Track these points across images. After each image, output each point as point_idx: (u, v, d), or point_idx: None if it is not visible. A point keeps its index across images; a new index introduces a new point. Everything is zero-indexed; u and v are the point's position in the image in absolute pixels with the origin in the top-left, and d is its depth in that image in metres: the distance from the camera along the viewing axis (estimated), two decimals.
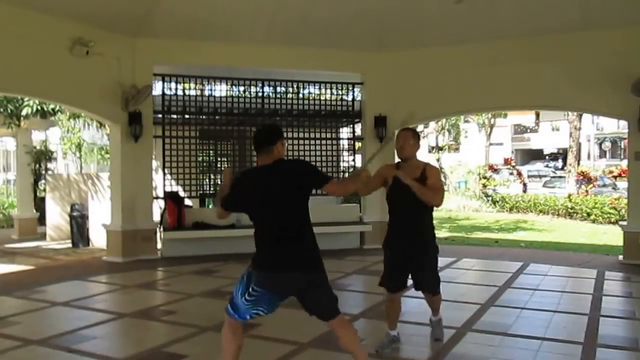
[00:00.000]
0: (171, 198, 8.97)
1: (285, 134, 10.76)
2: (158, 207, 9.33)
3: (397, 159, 4.19)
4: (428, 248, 4.10)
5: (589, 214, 15.27)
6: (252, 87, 9.75)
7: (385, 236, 4.25)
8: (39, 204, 12.25)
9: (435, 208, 4.06)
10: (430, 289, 4.23)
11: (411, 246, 4.04)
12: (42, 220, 11.96)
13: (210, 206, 11.18)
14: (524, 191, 22.38)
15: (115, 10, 7.86)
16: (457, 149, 34.26)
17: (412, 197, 3.84)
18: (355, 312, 5.41)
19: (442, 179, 4.06)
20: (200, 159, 10.01)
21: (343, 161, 11.12)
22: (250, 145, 9.84)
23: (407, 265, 4.09)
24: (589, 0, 7.90)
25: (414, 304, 5.84)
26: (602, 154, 38.98)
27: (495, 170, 23.20)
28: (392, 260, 4.15)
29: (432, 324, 4.49)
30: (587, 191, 18.10)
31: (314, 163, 9.75)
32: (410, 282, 4.25)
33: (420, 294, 4.35)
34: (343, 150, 11.21)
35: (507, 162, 25.53)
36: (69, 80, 7.73)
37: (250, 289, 3.11)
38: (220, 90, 9.89)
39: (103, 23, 7.94)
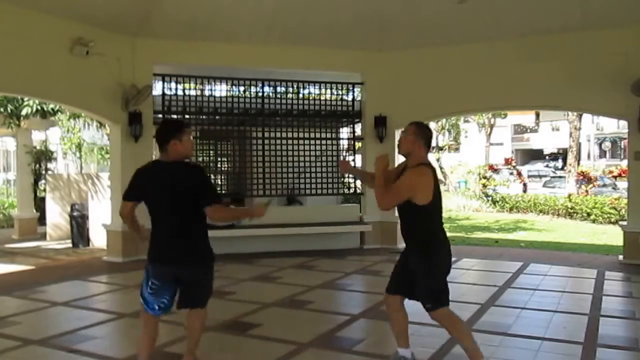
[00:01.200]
0: None
1: (285, 134, 10.75)
2: None
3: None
4: (422, 257, 3.53)
5: (589, 214, 15.27)
6: (252, 87, 9.74)
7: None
8: (39, 204, 12.24)
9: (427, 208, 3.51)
10: (422, 301, 3.61)
11: (408, 251, 3.68)
12: (42, 220, 11.95)
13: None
14: (524, 191, 22.39)
15: (115, 10, 7.86)
16: (457, 149, 34.25)
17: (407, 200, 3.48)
18: (355, 312, 5.40)
19: (423, 184, 3.47)
20: (200, 159, 10.00)
21: None
22: (250, 145, 9.92)
23: (402, 270, 3.71)
24: (589, 0, 7.90)
25: (413, 303, 5.83)
26: (602, 154, 38.97)
27: (495, 170, 23.18)
28: (398, 261, 3.82)
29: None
30: (587, 191, 18.09)
31: (314, 163, 9.86)
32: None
33: None
34: (343, 150, 11.21)
35: (507, 162, 25.51)
36: (69, 80, 7.73)
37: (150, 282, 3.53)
38: (220, 90, 9.88)
39: (103, 23, 7.95)
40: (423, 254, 3.54)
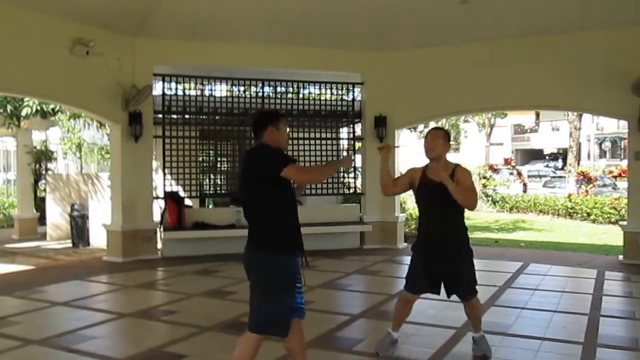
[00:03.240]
0: (171, 198, 8.97)
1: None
2: (158, 207, 9.32)
3: (426, 161, 4.02)
4: (460, 250, 3.84)
5: (589, 214, 15.26)
6: (252, 87, 9.74)
7: (416, 239, 4.08)
8: (39, 204, 12.25)
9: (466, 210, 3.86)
10: (460, 294, 3.93)
11: (442, 248, 3.83)
12: (42, 220, 11.95)
13: (211, 206, 11.18)
14: (524, 191, 22.38)
15: (115, 10, 7.86)
16: (457, 149, 34.26)
17: (442, 198, 3.69)
18: (355, 312, 5.41)
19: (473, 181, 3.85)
20: (200, 159, 10.00)
21: None
22: (250, 145, 9.91)
23: (434, 269, 3.85)
24: (589, 0, 7.91)
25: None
26: (602, 154, 38.97)
27: (495, 170, 23.18)
28: (418, 261, 3.95)
29: (474, 341, 4.12)
30: (587, 191, 18.08)
31: (314, 163, 9.85)
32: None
33: (424, 294, 4.25)
34: (343, 150, 11.21)
35: (507, 162, 25.51)
36: (69, 80, 7.73)
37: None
38: (221, 90, 9.89)
39: (103, 23, 7.95)
40: (466, 251, 3.87)
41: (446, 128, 27.32)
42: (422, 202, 4.02)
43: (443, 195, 3.67)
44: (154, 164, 9.36)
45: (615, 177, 20.39)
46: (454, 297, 4.02)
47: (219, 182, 10.55)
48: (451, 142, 4.42)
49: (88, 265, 8.31)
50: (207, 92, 9.62)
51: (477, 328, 4.10)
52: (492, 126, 27.90)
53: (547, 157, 41.59)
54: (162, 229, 8.78)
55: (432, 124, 24.75)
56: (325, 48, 9.27)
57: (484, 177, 20.50)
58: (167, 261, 8.42)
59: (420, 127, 23.35)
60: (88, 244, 10.25)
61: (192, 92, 9.82)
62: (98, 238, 9.85)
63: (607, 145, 38.95)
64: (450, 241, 3.84)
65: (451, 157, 4.01)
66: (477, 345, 4.10)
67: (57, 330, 4.84)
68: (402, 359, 4.09)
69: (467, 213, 3.94)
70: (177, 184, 9.56)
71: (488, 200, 19.26)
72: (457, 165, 3.87)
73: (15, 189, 13.90)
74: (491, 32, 8.73)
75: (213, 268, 7.80)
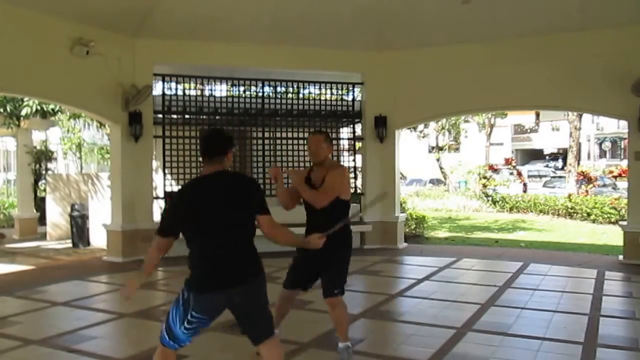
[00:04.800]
0: (171, 198, 8.95)
1: (285, 134, 10.70)
2: (158, 207, 9.32)
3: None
4: (337, 244, 3.78)
5: (589, 214, 15.26)
6: (252, 87, 9.74)
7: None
8: (39, 204, 12.25)
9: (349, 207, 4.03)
10: (331, 288, 3.96)
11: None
12: (42, 220, 11.96)
13: None
14: (524, 191, 22.37)
15: (115, 10, 7.86)
16: (457, 149, 34.22)
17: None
18: (355, 312, 5.40)
19: (346, 181, 4.02)
20: (200, 159, 10.00)
21: (343, 161, 11.11)
22: (250, 145, 9.93)
23: (312, 265, 3.97)
24: (589, 0, 7.90)
25: (413, 303, 5.85)
26: (602, 154, 38.96)
27: (495, 170, 23.19)
28: (301, 259, 4.05)
29: (337, 351, 4.00)
30: (587, 191, 18.08)
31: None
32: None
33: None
34: (343, 150, 11.20)
35: (507, 162, 25.49)
36: (69, 80, 7.73)
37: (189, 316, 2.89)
38: (221, 90, 9.88)
39: (103, 23, 7.95)
40: (342, 245, 3.91)
41: (446, 128, 27.47)
42: (306, 203, 4.01)
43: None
44: (154, 164, 9.36)
45: (615, 177, 20.37)
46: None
47: None
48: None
49: (88, 265, 8.32)
50: (207, 92, 9.62)
51: (342, 336, 3.97)
52: (492, 126, 27.88)
53: (547, 157, 41.59)
54: None
55: (433, 124, 24.92)
56: (325, 48, 9.27)
57: (484, 177, 20.51)
58: (167, 261, 8.38)
59: (420, 127, 23.35)
60: (88, 244, 10.25)
61: (192, 92, 9.81)
62: (98, 238, 9.86)
63: (607, 145, 38.94)
64: (333, 239, 3.67)
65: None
66: (340, 356, 3.95)
67: (57, 330, 4.84)
68: (402, 359, 4.09)
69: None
70: (177, 184, 9.55)
71: (488, 201, 19.27)
72: (333, 166, 3.98)
73: (15, 189, 13.91)
74: (491, 32, 8.73)
75: None
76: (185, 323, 2.88)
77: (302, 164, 9.82)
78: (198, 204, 2.93)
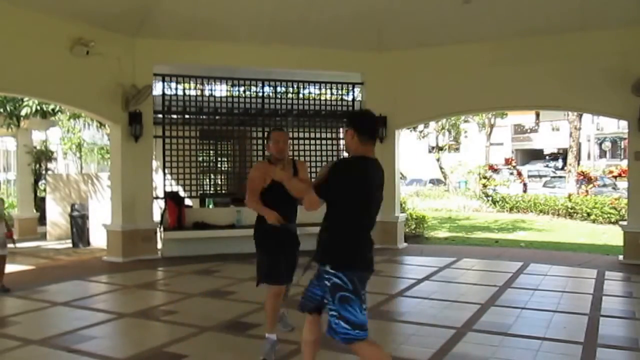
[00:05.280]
0: (171, 198, 8.96)
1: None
2: (158, 207, 9.33)
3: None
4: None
5: (589, 214, 15.26)
6: (252, 87, 9.74)
7: (260, 232, 4.18)
8: (39, 204, 12.25)
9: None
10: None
11: (294, 240, 4.22)
12: (42, 220, 11.96)
13: (211, 206, 11.17)
14: (524, 191, 22.37)
15: (116, 10, 7.86)
16: (457, 149, 34.20)
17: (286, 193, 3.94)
18: None
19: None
20: (200, 159, 10.00)
21: None
22: (251, 145, 9.93)
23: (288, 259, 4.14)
24: (589, 0, 7.90)
25: (413, 303, 5.85)
26: (602, 154, 38.96)
27: (495, 170, 23.19)
28: (276, 255, 4.09)
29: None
30: (587, 191, 18.09)
31: (314, 163, 9.86)
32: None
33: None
34: (343, 150, 11.20)
35: (507, 162, 25.50)
36: (69, 80, 7.73)
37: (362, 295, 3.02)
38: (221, 90, 9.88)
39: (103, 23, 7.95)
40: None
41: (446, 128, 27.48)
42: (275, 196, 4.03)
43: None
44: (154, 164, 9.36)
45: (615, 177, 20.38)
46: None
47: (219, 182, 10.55)
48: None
49: (88, 265, 8.31)
50: (207, 92, 9.62)
51: (269, 327, 4.10)
52: (492, 126, 27.89)
53: (547, 157, 41.58)
54: (162, 229, 8.78)
55: (433, 124, 24.93)
56: (325, 48, 9.26)
57: (484, 177, 20.51)
58: (167, 261, 8.41)
59: (420, 127, 23.35)
60: (88, 244, 10.25)
61: (192, 92, 9.81)
62: (98, 238, 9.86)
63: (607, 145, 38.94)
64: (296, 234, 4.24)
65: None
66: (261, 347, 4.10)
67: (57, 330, 4.84)
68: (402, 359, 4.09)
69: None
70: (177, 184, 9.57)
71: (488, 201, 19.27)
72: (296, 159, 4.34)
73: (15, 189, 13.90)
74: (491, 32, 8.73)
75: (213, 268, 7.80)
76: (362, 305, 3.00)
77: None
78: (369, 182, 3.03)
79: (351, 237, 3.01)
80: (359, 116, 3.30)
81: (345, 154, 3.34)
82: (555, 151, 40.56)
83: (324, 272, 3.00)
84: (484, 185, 20.21)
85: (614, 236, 10.86)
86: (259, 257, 4.17)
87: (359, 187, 2.98)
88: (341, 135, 11.23)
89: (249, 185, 4.17)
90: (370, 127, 3.11)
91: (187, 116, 9.60)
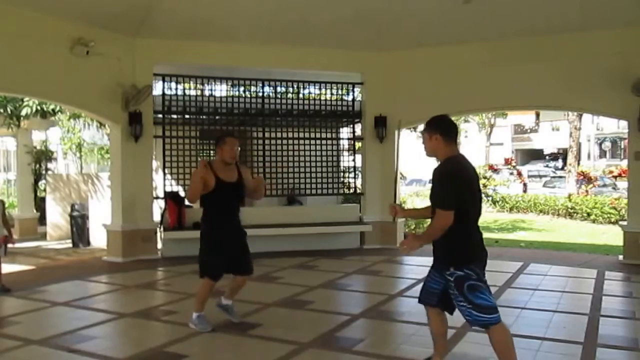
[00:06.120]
0: (171, 198, 8.96)
1: (285, 134, 10.73)
2: (158, 207, 9.33)
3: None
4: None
5: (589, 214, 15.26)
6: (252, 87, 9.74)
7: (213, 233, 4.67)
8: (40, 204, 12.25)
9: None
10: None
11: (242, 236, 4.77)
12: (42, 220, 11.96)
13: None
14: (524, 191, 22.38)
15: (116, 10, 7.86)
16: None
17: (240, 194, 4.70)
18: (355, 312, 5.40)
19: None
20: (200, 159, 9.99)
21: (343, 161, 11.13)
22: (250, 145, 9.92)
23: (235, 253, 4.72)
24: (589, 0, 7.91)
25: (413, 303, 5.83)
26: (602, 154, 38.96)
27: (495, 170, 23.19)
28: (223, 250, 4.67)
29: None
30: (587, 191, 18.09)
31: (314, 163, 9.86)
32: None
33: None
34: (343, 150, 11.21)
35: (507, 162, 25.51)
36: (69, 80, 7.73)
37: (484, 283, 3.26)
38: (221, 90, 9.88)
39: (103, 23, 7.94)
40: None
41: None
42: (226, 199, 4.66)
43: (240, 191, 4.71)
44: (154, 164, 9.36)
45: (615, 177, 20.39)
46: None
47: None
48: None
49: (88, 265, 8.31)
50: (207, 92, 9.62)
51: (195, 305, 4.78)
52: (492, 126, 27.92)
53: (547, 157, 41.58)
54: (162, 229, 8.78)
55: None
56: (325, 48, 9.27)
57: (484, 177, 20.49)
58: (167, 261, 8.41)
59: (421, 127, 23.33)
60: (88, 244, 10.25)
61: (192, 92, 9.81)
62: (98, 238, 9.86)
63: (607, 145, 38.94)
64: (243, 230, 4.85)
65: None
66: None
67: (57, 330, 4.84)
68: (402, 359, 4.09)
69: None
70: (177, 184, 9.56)
71: (488, 200, 19.27)
72: (238, 164, 4.85)
73: (15, 189, 13.91)
74: (491, 32, 8.73)
75: None
76: (489, 289, 3.29)
77: (301, 164, 9.83)
78: (473, 182, 3.28)
79: (467, 234, 3.23)
80: (438, 121, 3.52)
81: (345, 153, 3.50)
82: (555, 151, 40.56)
83: (448, 275, 3.24)
84: (484, 185, 20.15)
85: (614, 236, 10.87)
86: (201, 253, 4.72)
87: (470, 185, 3.23)
88: (341, 135, 11.25)
89: (193, 186, 4.59)
90: (452, 126, 3.41)
91: (187, 116, 9.60)
